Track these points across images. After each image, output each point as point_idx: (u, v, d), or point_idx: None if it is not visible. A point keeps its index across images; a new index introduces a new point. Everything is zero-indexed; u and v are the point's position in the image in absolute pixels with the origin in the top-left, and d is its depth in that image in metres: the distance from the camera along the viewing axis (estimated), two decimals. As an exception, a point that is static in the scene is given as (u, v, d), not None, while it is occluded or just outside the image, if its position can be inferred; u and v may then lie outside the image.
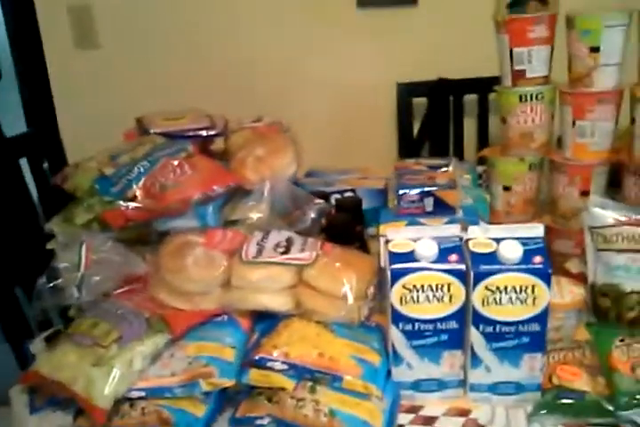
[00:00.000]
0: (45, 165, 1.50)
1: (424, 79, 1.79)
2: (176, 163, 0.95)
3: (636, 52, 1.01)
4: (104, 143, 1.06)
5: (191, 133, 1.07)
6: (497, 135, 1.75)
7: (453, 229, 0.82)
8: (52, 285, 0.91)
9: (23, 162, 1.49)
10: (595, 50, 1.02)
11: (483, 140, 1.84)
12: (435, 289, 0.78)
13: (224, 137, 1.12)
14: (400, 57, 1.87)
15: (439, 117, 1.81)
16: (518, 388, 0.80)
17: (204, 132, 1.07)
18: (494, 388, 0.81)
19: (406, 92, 1.79)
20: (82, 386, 0.79)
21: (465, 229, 0.82)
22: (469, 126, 1.85)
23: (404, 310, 0.79)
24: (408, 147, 1.82)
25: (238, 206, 0.99)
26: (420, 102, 1.83)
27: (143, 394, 0.80)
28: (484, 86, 1.70)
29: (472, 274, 0.76)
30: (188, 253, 0.88)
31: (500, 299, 0.77)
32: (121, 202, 0.90)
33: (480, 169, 1.27)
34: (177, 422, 0.78)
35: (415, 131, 1.84)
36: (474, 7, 1.87)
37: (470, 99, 1.82)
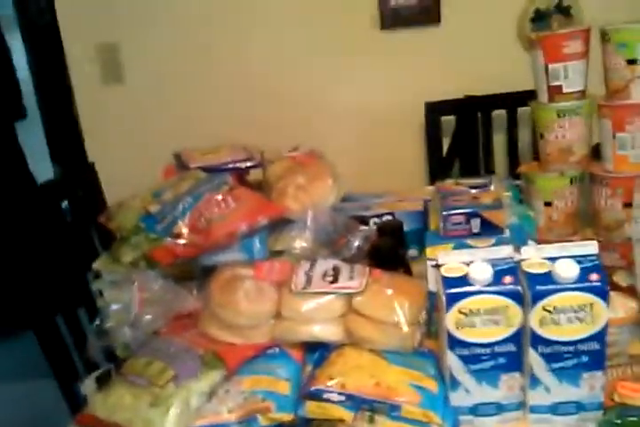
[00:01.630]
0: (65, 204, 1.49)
1: (451, 97, 1.79)
2: (220, 197, 0.96)
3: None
4: (139, 177, 1.08)
5: (230, 166, 1.08)
6: (527, 150, 1.76)
7: (506, 251, 0.81)
8: (103, 326, 0.91)
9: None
10: (632, 62, 1.02)
11: (513, 155, 1.83)
12: (491, 312, 0.77)
13: (262, 168, 1.13)
14: (426, 76, 1.88)
15: (468, 134, 1.80)
16: (579, 407, 0.78)
17: (243, 164, 1.09)
18: (555, 408, 0.79)
19: (434, 110, 1.79)
20: (140, 427, 0.79)
21: (517, 249, 0.81)
22: (498, 142, 1.84)
23: (461, 335, 0.78)
24: (438, 165, 1.82)
25: (281, 237, 0.99)
26: (447, 120, 1.83)
27: (201, 432, 0.80)
28: (512, 101, 1.72)
29: (529, 295, 0.75)
30: (237, 286, 0.88)
31: (559, 319, 0.75)
32: (169, 239, 0.91)
33: (516, 183, 1.25)
34: (239, 459, 0.78)
35: (444, 149, 1.84)
36: (496, 24, 1.89)
37: (498, 114, 1.82)
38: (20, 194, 1.45)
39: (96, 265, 1.02)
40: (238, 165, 1.08)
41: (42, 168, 2.15)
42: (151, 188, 1.03)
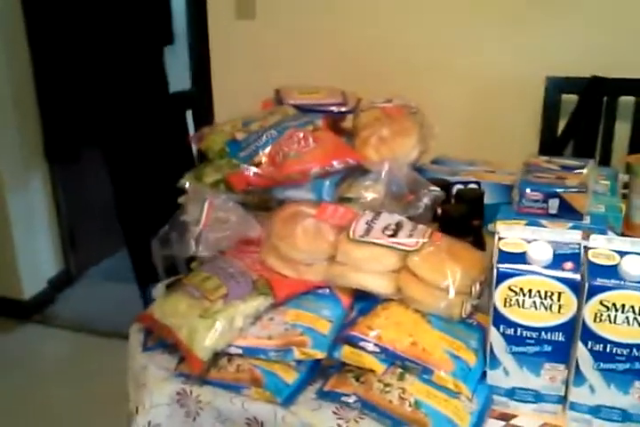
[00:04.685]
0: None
1: (577, 75, 1.67)
2: (301, 135, 0.96)
3: None
4: (248, 110, 1.11)
5: (322, 108, 1.08)
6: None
7: (574, 236, 0.77)
8: (173, 235, 0.96)
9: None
10: None
11: (635, 147, 1.69)
12: (543, 296, 0.73)
13: (354, 115, 1.12)
14: (552, 48, 1.76)
15: (589, 118, 1.68)
16: (624, 416, 0.74)
17: (334, 108, 1.09)
18: (597, 411, 0.75)
19: (556, 87, 1.68)
20: (186, 334, 0.84)
21: (587, 237, 0.76)
22: (621, 131, 1.70)
23: (508, 313, 0.76)
24: (550, 146, 1.72)
25: (355, 185, 0.99)
26: (568, 99, 1.71)
27: (240, 352, 0.84)
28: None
29: (587, 286, 0.71)
30: (298, 222, 0.90)
31: (616, 317, 0.71)
32: (245, 166, 0.94)
33: (625, 178, 1.16)
34: (267, 384, 0.81)
35: (560, 129, 1.73)
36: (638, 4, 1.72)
37: (626, 101, 1.68)
38: (157, 107, 1.55)
39: (183, 181, 1.06)
40: (330, 108, 1.08)
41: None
42: (243, 116, 1.05)
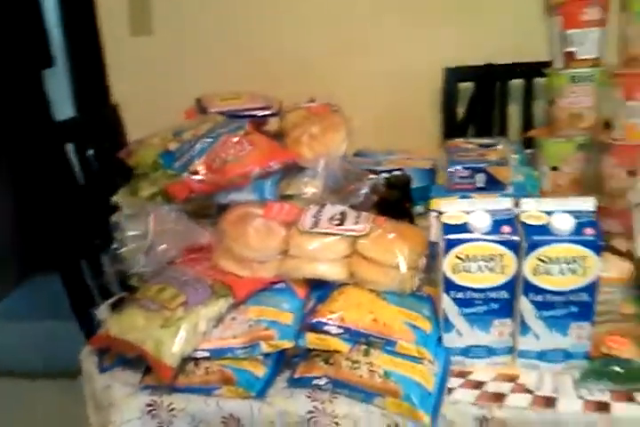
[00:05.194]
0: (91, 152, 1.53)
1: (472, 64, 1.80)
2: (236, 139, 1.00)
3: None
4: (164, 123, 1.12)
5: (248, 113, 1.12)
6: (541, 121, 1.76)
7: (506, 203, 0.85)
8: (119, 252, 0.96)
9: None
10: (648, 30, 1.03)
11: (527, 125, 1.84)
12: (487, 260, 0.81)
13: (279, 117, 1.16)
14: (447, 42, 1.89)
15: (485, 102, 1.82)
16: (566, 355, 0.83)
17: (260, 112, 1.12)
18: (542, 355, 0.84)
19: (453, 76, 1.81)
20: (152, 346, 0.84)
21: (517, 204, 0.84)
22: (514, 111, 1.85)
23: (457, 279, 0.82)
24: (452, 130, 1.84)
25: (294, 182, 1.03)
26: (466, 87, 1.84)
27: (207, 354, 0.85)
28: (531, 71, 1.72)
29: (525, 245, 0.79)
30: (248, 222, 0.93)
31: (551, 269, 0.79)
32: (186, 175, 0.95)
33: (528, 151, 1.28)
34: (239, 381, 0.83)
35: (460, 114, 1.86)
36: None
37: (516, 83, 1.83)
38: (42, 138, 1.49)
39: (115, 198, 1.06)
40: (256, 112, 1.11)
41: (64, 114, 2.20)
42: (172, 127, 1.07)
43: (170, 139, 1.03)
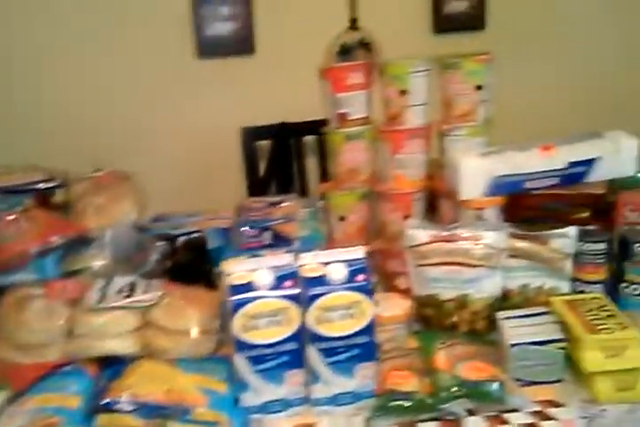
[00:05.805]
0: None
1: (268, 123, 1.89)
2: (12, 217, 0.95)
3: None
4: None
5: (29, 187, 1.07)
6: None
7: (288, 258, 0.90)
8: None
9: None
10: (404, 92, 1.17)
11: (324, 176, 1.96)
12: (273, 314, 0.84)
13: (65, 189, 1.13)
14: (243, 103, 1.97)
15: (283, 158, 1.92)
16: (355, 397, 0.88)
17: (41, 185, 1.08)
18: (334, 400, 0.87)
19: (250, 135, 1.89)
20: None
21: (298, 257, 0.89)
22: (311, 165, 1.97)
23: (247, 338, 0.84)
24: (256, 187, 1.91)
25: (80, 256, 1.00)
26: (264, 145, 1.93)
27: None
28: (321, 128, 1.85)
29: (306, 297, 0.84)
30: (27, 305, 0.88)
31: (332, 316, 0.85)
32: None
33: (320, 203, 1.37)
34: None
35: (261, 171, 1.94)
36: (307, 55, 2.04)
37: (310, 140, 1.95)
38: None
39: None
40: (37, 185, 1.07)
41: None
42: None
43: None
